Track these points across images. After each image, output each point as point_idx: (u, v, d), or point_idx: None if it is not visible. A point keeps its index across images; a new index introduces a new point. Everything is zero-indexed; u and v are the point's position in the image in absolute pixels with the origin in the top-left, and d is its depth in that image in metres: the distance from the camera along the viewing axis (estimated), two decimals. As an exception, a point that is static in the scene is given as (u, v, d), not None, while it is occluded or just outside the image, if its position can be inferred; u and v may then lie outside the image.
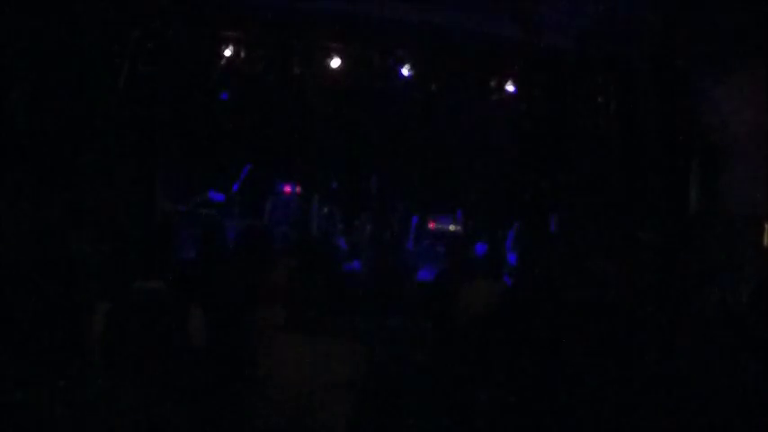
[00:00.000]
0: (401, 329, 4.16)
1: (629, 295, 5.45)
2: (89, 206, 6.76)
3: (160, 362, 3.25)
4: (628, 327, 4.55)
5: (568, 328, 4.20)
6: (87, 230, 5.69)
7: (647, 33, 7.85)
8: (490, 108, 10.57)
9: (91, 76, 7.22)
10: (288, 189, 10.42)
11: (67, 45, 6.84)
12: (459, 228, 10.41)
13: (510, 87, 10.23)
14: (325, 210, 10.26)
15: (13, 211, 5.73)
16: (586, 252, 8.18)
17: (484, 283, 5.17)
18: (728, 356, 4.01)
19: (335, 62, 9.84)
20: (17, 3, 6.48)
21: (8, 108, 6.51)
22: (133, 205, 7.51)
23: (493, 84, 10.31)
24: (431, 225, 10.47)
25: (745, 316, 5.07)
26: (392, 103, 10.71)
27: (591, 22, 8.10)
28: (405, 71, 10.02)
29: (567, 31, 8.58)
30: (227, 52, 9.67)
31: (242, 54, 9.75)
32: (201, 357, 3.38)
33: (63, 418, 2.91)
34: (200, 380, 3.34)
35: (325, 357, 3.08)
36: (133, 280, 3.43)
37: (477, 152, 11.00)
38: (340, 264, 8.10)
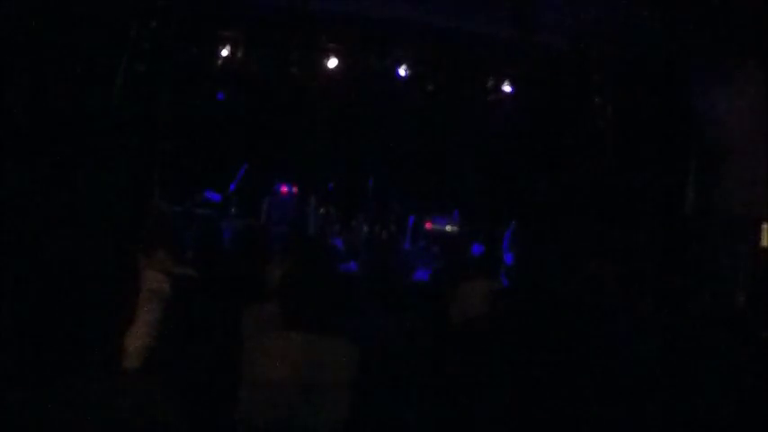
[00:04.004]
0: (397, 329, 4.15)
1: (626, 296, 5.44)
2: (86, 205, 6.75)
3: (156, 361, 3.23)
4: (625, 327, 4.54)
5: (565, 329, 4.19)
6: (84, 229, 5.67)
7: (645, 33, 7.85)
8: (487, 108, 10.57)
9: (88, 74, 7.20)
10: (285, 189, 10.40)
11: (65, 43, 6.83)
12: (455, 228, 10.39)
13: (507, 88, 10.25)
14: (322, 210, 10.24)
15: (11, 210, 5.71)
16: (583, 252, 8.18)
17: (480, 284, 5.15)
18: (726, 357, 4.01)
19: (332, 62, 9.84)
20: (17, 1, 6.47)
21: (6, 106, 6.49)
22: (130, 204, 7.49)
23: (490, 84, 10.33)
24: (427, 225, 10.44)
25: (742, 316, 5.07)
26: (389, 104, 10.70)
27: (589, 23, 8.10)
28: (402, 71, 10.03)
29: (565, 31, 8.58)
30: (225, 52, 9.67)
31: (239, 54, 9.76)
32: (198, 357, 3.37)
33: (62, 418, 2.88)
34: (197, 379, 3.33)
35: (320, 357, 3.07)
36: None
37: (474, 152, 11.00)
38: (336, 264, 8.08)
